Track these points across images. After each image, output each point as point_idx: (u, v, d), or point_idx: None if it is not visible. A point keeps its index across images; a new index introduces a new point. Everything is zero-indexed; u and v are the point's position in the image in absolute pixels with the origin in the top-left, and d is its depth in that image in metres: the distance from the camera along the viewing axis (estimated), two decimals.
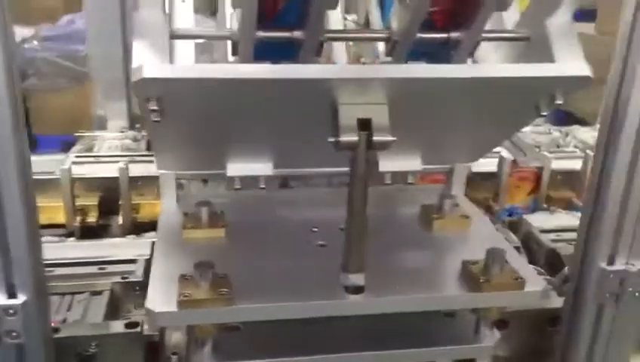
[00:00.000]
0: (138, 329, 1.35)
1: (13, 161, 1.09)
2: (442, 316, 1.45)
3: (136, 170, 2.02)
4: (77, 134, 2.48)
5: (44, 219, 2.02)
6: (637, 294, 1.35)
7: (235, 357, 1.29)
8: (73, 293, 1.52)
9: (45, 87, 5.20)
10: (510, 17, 1.38)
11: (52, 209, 2.01)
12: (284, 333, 1.36)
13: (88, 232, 2.03)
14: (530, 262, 1.78)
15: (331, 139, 1.19)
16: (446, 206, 1.58)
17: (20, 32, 5.50)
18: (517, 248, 1.85)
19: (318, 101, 1.19)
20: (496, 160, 2.16)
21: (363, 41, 1.42)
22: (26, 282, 1.15)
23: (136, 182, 2.04)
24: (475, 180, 2.25)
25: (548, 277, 1.65)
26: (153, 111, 1.09)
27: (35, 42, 5.36)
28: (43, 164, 2.01)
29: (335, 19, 1.44)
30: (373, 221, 1.60)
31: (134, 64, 1.06)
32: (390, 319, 1.39)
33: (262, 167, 1.52)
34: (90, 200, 2.05)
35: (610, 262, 1.34)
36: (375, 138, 1.19)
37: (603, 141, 1.30)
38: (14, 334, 1.16)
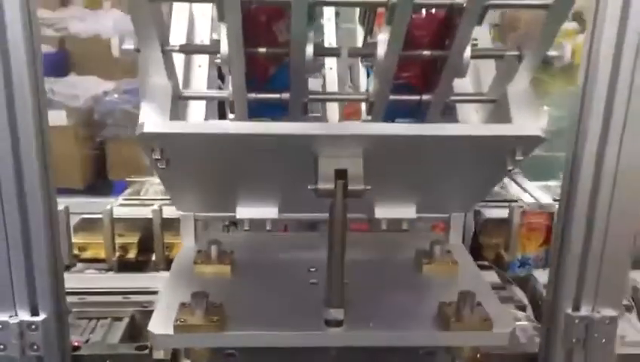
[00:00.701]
0: (147, 351, 1.53)
1: (40, 199, 1.31)
2: (423, 355, 1.56)
3: (170, 211, 2.23)
4: (128, 179, 2.75)
5: (90, 254, 2.28)
6: (603, 341, 1.42)
7: None
8: (98, 318, 1.72)
9: (121, 135, 5.63)
10: (487, 81, 1.53)
11: (98, 245, 2.25)
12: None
13: (129, 267, 2.25)
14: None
15: (311, 187, 1.36)
16: (436, 252, 1.70)
17: (104, 85, 6.01)
18: (522, 307, 1.91)
19: (301, 153, 1.37)
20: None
21: (343, 101, 1.59)
22: (47, 302, 1.36)
23: (171, 223, 2.24)
24: (488, 226, 2.34)
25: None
26: (157, 160, 1.31)
27: (116, 95, 5.84)
28: (99, 205, 2.27)
29: (330, 80, 1.63)
30: (369, 263, 1.76)
31: (140, 121, 1.28)
32: (373, 356, 1.52)
33: (268, 211, 1.70)
34: (131, 239, 2.28)
35: (576, 308, 1.42)
36: (350, 187, 1.35)
37: (565, 190, 1.41)
38: (35, 347, 1.36)
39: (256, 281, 1.63)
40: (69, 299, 1.75)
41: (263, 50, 1.28)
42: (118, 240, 2.24)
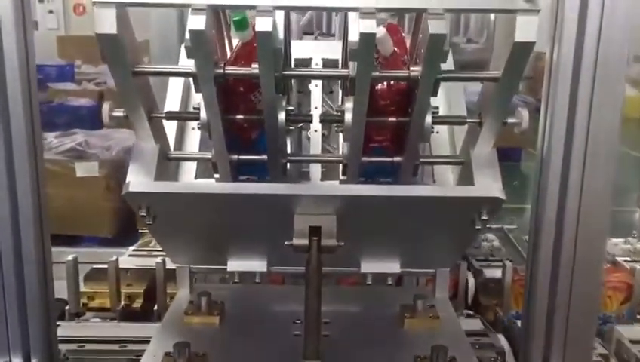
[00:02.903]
0: None
1: (33, 249, 1.42)
2: None
3: None
4: (141, 231, 2.88)
5: (98, 302, 2.39)
6: None
7: None
8: None
9: None
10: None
11: (106, 294, 2.36)
12: None
13: (134, 316, 2.34)
14: None
15: (287, 243, 1.45)
16: (418, 306, 1.76)
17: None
18: (501, 352, 1.95)
19: (279, 211, 1.46)
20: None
21: (319, 163, 1.68)
22: (38, 348, 1.46)
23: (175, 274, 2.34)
24: (488, 286, 2.38)
25: None
26: (143, 216, 1.42)
27: None
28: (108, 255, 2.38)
29: (314, 141, 1.73)
30: (355, 316, 1.83)
31: (127, 181, 1.39)
32: None
33: (257, 265, 1.79)
34: (137, 289, 2.38)
35: (546, 360, 1.46)
36: (323, 243, 1.44)
37: (531, 246, 1.47)
38: None
39: (242, 332, 1.70)
40: (68, 346, 1.86)
41: (239, 116, 1.39)
42: (125, 290, 2.34)
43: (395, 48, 1.40)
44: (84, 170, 5.60)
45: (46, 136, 5.23)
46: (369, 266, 1.80)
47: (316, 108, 1.78)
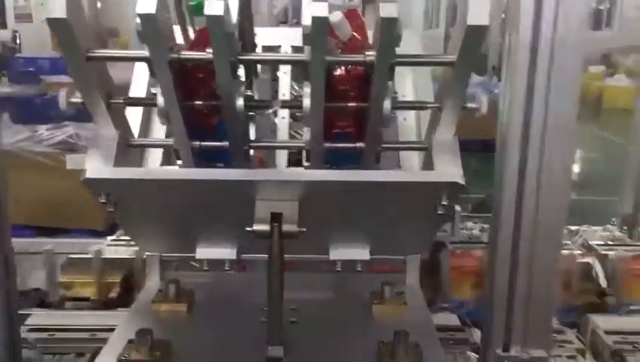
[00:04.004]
0: None
1: None
2: None
3: None
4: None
5: (76, 292, 2.39)
6: None
7: None
8: (62, 354, 1.82)
9: None
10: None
11: (83, 284, 2.36)
12: None
13: (112, 305, 2.35)
14: None
15: (248, 229, 1.45)
16: (386, 293, 1.76)
17: None
18: (476, 349, 1.95)
19: (242, 198, 1.46)
20: None
21: (281, 149, 1.68)
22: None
23: None
24: None
25: None
26: (103, 203, 1.41)
27: None
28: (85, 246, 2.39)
29: (282, 128, 1.72)
30: (325, 303, 1.83)
31: (85, 167, 1.39)
32: None
33: (226, 252, 1.78)
34: (115, 278, 2.38)
35: (505, 348, 1.46)
36: (285, 229, 1.44)
37: (492, 236, 1.46)
38: None
39: (210, 319, 1.70)
40: (39, 334, 1.87)
41: (197, 102, 1.39)
42: (102, 279, 2.35)
43: (355, 33, 1.39)
44: (74, 162, 5.60)
45: (37, 129, 5.24)
46: (338, 253, 1.80)
47: (284, 95, 1.77)
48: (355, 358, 1.53)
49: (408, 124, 1.73)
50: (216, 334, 1.62)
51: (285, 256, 1.94)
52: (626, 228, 2.81)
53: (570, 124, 1.32)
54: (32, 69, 6.70)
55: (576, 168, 8.55)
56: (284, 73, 1.81)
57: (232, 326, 1.66)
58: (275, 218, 1.44)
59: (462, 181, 1.36)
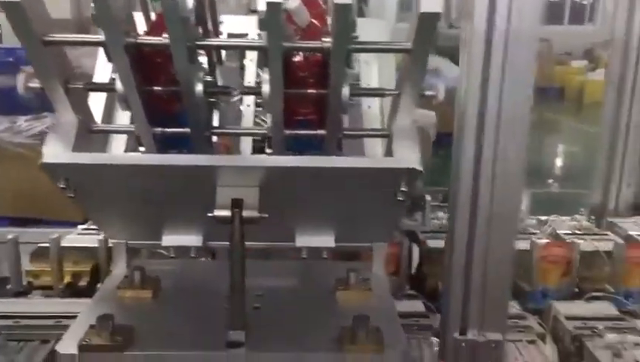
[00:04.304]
0: None
1: None
2: None
3: None
4: None
5: (42, 281, 2.37)
6: None
7: None
8: (27, 341, 1.82)
9: None
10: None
11: (49, 273, 2.35)
12: None
13: (81, 293, 2.34)
14: None
15: (209, 214, 1.46)
16: (351, 279, 1.77)
17: None
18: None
19: (204, 184, 1.46)
20: None
21: (243, 136, 1.69)
22: None
23: None
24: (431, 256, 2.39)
25: None
26: (63, 188, 1.41)
27: None
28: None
29: (247, 115, 1.73)
30: (290, 289, 1.84)
31: (43, 152, 1.39)
32: None
33: (192, 239, 1.79)
34: (84, 267, 2.37)
35: (463, 332, 1.49)
36: (246, 214, 1.44)
37: (450, 223, 1.49)
38: None
39: (174, 306, 1.71)
40: (4, 322, 1.87)
41: (156, 88, 1.39)
42: (72, 268, 2.34)
43: (314, 20, 1.40)
44: None
45: (17, 120, 5.20)
46: (304, 240, 1.81)
47: (249, 82, 1.77)
48: (317, 342, 1.54)
49: (372, 112, 1.75)
50: (180, 319, 1.63)
51: (253, 243, 1.96)
52: (593, 217, 2.85)
53: (524, 115, 1.35)
54: (11, 59, 6.64)
55: (558, 162, 8.65)
56: (250, 60, 1.81)
57: (196, 312, 1.67)
58: (236, 203, 1.45)
59: (419, 167, 1.38)
